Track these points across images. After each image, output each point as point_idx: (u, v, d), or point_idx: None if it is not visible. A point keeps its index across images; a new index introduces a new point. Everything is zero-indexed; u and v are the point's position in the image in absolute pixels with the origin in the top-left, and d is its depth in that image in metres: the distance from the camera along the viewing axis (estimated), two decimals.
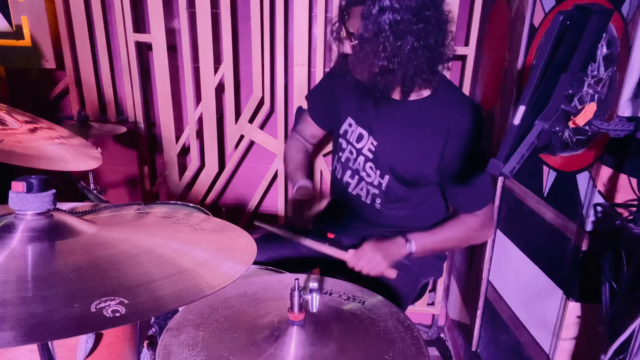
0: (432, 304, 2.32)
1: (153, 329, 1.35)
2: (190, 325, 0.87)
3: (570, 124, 0.84)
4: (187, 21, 2.04)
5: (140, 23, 2.16)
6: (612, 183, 1.01)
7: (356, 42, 1.22)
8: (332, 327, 0.88)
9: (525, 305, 1.40)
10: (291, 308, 0.83)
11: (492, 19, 1.89)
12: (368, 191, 1.47)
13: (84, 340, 0.95)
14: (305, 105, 2.09)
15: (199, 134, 2.26)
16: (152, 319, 1.35)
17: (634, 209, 0.93)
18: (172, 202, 1.73)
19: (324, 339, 0.85)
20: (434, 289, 2.30)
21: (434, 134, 1.32)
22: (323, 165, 2.21)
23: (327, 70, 2.08)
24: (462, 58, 2.01)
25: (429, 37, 1.18)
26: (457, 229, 1.41)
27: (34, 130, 1.11)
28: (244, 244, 0.78)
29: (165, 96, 2.16)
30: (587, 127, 0.84)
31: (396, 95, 1.35)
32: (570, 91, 0.83)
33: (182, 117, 2.31)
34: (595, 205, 1.04)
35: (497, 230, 1.64)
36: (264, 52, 2.07)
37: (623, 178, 0.98)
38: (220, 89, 2.17)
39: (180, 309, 0.92)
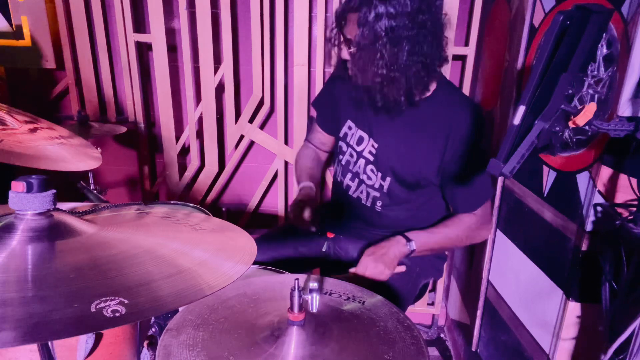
0: (432, 304, 2.32)
1: (153, 329, 1.35)
2: (190, 326, 0.87)
3: (570, 124, 0.84)
4: (187, 21, 2.04)
5: (140, 23, 2.16)
6: (612, 183, 1.01)
7: (354, 49, 1.23)
8: (332, 327, 0.88)
9: (525, 305, 1.40)
10: (291, 308, 0.83)
11: (492, 19, 1.89)
12: (368, 194, 1.47)
13: (84, 340, 0.95)
14: (305, 107, 2.10)
15: (199, 134, 2.26)
16: (152, 319, 1.35)
17: (634, 209, 0.93)
18: (172, 202, 1.73)
19: (324, 339, 0.84)
20: (434, 289, 2.30)
21: (434, 135, 1.32)
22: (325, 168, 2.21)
23: (327, 70, 2.08)
24: (462, 58, 2.01)
25: (425, 41, 1.18)
26: (456, 228, 1.42)
27: (34, 130, 1.11)
28: (244, 244, 0.78)
29: (165, 96, 2.16)
30: (587, 127, 0.84)
31: (396, 102, 1.35)
32: (570, 91, 0.83)
33: (182, 117, 2.31)
34: (595, 205, 1.04)
35: (497, 230, 1.64)
36: (264, 52, 2.07)
37: (623, 178, 0.98)
38: (220, 89, 2.17)
39: (180, 309, 0.92)
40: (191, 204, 1.67)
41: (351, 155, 1.48)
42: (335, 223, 1.59)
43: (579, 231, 1.10)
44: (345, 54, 1.28)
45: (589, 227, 1.06)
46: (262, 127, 2.24)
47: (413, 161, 1.36)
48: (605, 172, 1.02)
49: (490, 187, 1.41)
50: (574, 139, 1.14)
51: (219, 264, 0.69)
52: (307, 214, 1.41)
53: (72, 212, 0.77)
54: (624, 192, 0.98)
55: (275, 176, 2.28)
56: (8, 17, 2.11)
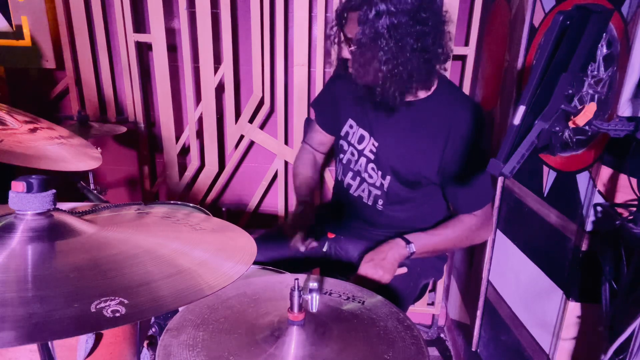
0: (432, 304, 2.32)
1: (153, 329, 1.35)
2: (190, 326, 0.87)
3: (570, 124, 0.84)
4: (187, 21, 2.04)
5: (140, 23, 2.16)
6: (612, 183, 1.01)
7: (355, 47, 1.22)
8: (332, 327, 0.88)
9: (525, 305, 1.40)
10: (291, 308, 0.83)
11: (492, 19, 1.89)
12: (370, 192, 1.47)
13: (84, 340, 0.95)
14: (305, 107, 2.10)
15: (199, 134, 2.26)
16: (152, 319, 1.35)
17: (634, 209, 0.93)
18: (172, 202, 1.73)
19: (324, 339, 0.85)
20: (434, 289, 2.30)
21: (435, 134, 1.32)
22: (324, 167, 2.21)
23: (327, 70, 2.08)
24: (462, 58, 2.01)
25: (426, 39, 1.18)
26: (456, 229, 1.41)
27: (34, 130, 1.11)
28: (244, 244, 0.78)
29: (165, 96, 2.16)
30: (587, 127, 0.84)
31: (397, 99, 1.35)
32: (570, 91, 0.83)
33: (182, 117, 2.31)
34: (595, 205, 1.04)
35: (497, 230, 1.64)
36: (264, 52, 2.07)
37: (623, 178, 0.98)
38: (220, 89, 2.17)
39: (180, 309, 0.92)
40: (191, 204, 1.67)
41: (352, 154, 1.48)
42: (336, 223, 1.59)
43: (579, 231, 1.10)
44: (346, 53, 1.28)
45: (589, 227, 1.06)
46: (262, 127, 2.24)
47: (413, 160, 1.36)
48: (605, 172, 1.02)
49: (491, 188, 1.41)
50: (574, 139, 1.14)
51: (219, 264, 0.69)
52: (299, 237, 1.43)
53: (72, 212, 0.77)
54: (624, 192, 0.98)
55: (275, 176, 2.28)
56: (8, 17, 2.11)
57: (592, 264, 1.05)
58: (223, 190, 2.40)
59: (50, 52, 2.16)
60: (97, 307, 0.53)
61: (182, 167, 2.30)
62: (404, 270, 1.39)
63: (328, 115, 1.60)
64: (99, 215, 0.86)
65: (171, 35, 2.17)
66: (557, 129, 0.83)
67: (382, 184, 1.43)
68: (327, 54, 2.03)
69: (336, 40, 1.30)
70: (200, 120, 2.22)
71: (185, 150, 2.31)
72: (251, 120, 2.19)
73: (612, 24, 1.01)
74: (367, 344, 0.85)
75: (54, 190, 0.69)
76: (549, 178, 1.27)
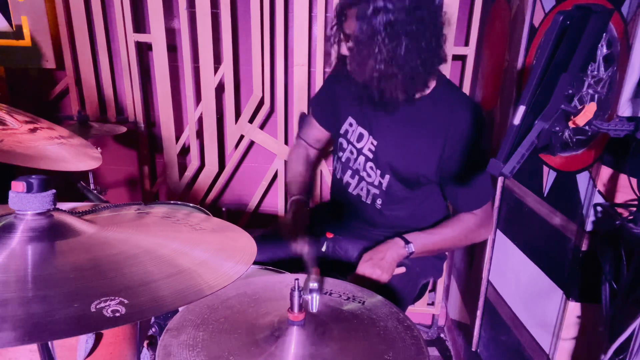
0: (432, 304, 2.32)
1: (153, 329, 1.35)
2: (190, 326, 0.87)
3: (570, 124, 0.84)
4: (187, 21, 2.04)
5: (140, 23, 2.16)
6: (612, 183, 1.01)
7: (352, 44, 1.23)
8: (332, 327, 0.88)
9: (525, 305, 1.40)
10: (291, 308, 0.83)
11: (492, 19, 1.89)
12: (368, 191, 1.47)
13: (84, 340, 0.95)
14: (305, 107, 2.10)
15: (199, 134, 2.26)
16: (152, 319, 1.35)
17: (634, 209, 0.93)
18: (172, 202, 1.73)
19: (324, 339, 0.85)
20: (434, 289, 2.30)
21: (433, 133, 1.32)
22: (323, 166, 2.21)
23: (327, 70, 2.08)
24: (462, 58, 2.01)
25: (423, 37, 1.18)
26: (455, 229, 1.41)
27: (34, 130, 1.11)
28: (244, 244, 0.78)
29: (165, 96, 2.16)
30: (587, 127, 0.84)
31: (395, 98, 1.35)
32: (570, 91, 0.84)
33: (182, 117, 2.31)
34: (595, 205, 1.04)
35: (497, 230, 1.64)
36: (264, 52, 2.07)
37: (623, 178, 0.98)
38: (220, 89, 2.17)
39: (180, 309, 0.92)
40: (191, 204, 1.67)
41: (351, 152, 1.48)
42: (334, 223, 1.59)
43: (579, 231, 1.10)
44: (344, 50, 1.28)
45: (589, 227, 1.06)
46: (262, 127, 2.24)
47: (411, 159, 1.36)
48: (605, 172, 1.02)
49: (491, 187, 1.41)
50: (574, 139, 1.14)
51: (219, 264, 0.69)
52: (300, 240, 1.41)
53: (72, 212, 0.77)
54: (624, 192, 0.98)
55: (275, 176, 2.28)
56: (8, 17, 2.11)
57: (592, 264, 1.05)
58: (223, 190, 2.40)
59: (50, 52, 2.16)
60: (97, 307, 0.53)
61: (182, 167, 2.30)
62: (402, 270, 1.39)
63: (327, 112, 1.60)
64: (99, 215, 0.86)
65: (171, 35, 2.17)
66: (557, 129, 0.83)
67: (380, 183, 1.43)
68: (327, 54, 2.03)
69: (336, 38, 1.30)
70: (200, 120, 2.22)
71: (185, 150, 2.31)
72: (251, 120, 2.19)
73: (612, 24, 1.01)
74: (367, 344, 0.85)
75: (54, 190, 0.68)
76: (549, 178, 1.27)
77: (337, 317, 0.93)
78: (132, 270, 0.62)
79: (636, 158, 0.95)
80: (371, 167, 1.43)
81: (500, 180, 1.61)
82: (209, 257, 0.71)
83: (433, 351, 2.25)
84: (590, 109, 0.82)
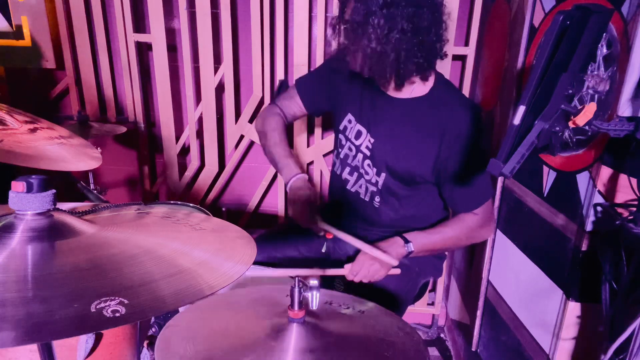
0: (432, 304, 2.32)
1: (153, 329, 1.35)
2: (190, 323, 0.87)
3: (570, 124, 0.84)
4: (187, 21, 2.04)
5: (140, 23, 2.16)
6: (612, 183, 1.01)
7: (349, 25, 1.22)
8: (332, 325, 0.88)
9: (525, 305, 1.40)
10: (291, 305, 0.83)
11: (492, 19, 1.89)
12: (367, 188, 1.47)
13: (84, 340, 0.95)
14: None
15: (199, 134, 2.26)
16: (152, 319, 1.35)
17: (634, 209, 0.93)
18: (172, 202, 1.73)
19: (324, 336, 0.85)
20: (434, 289, 2.30)
21: (430, 133, 1.33)
22: (323, 165, 2.21)
23: None
24: (462, 58, 2.01)
25: (420, 21, 1.18)
26: (456, 229, 1.41)
27: (34, 130, 1.11)
28: (244, 244, 0.78)
29: (165, 96, 2.16)
30: (587, 127, 0.84)
31: (391, 88, 1.35)
32: (570, 91, 0.84)
33: (182, 117, 2.31)
34: (595, 205, 1.04)
35: (497, 230, 1.64)
36: (264, 52, 2.07)
37: (623, 178, 0.98)
38: (220, 89, 2.17)
39: (180, 309, 0.92)
40: (191, 204, 1.67)
41: (350, 149, 1.48)
42: (334, 223, 1.59)
43: (579, 231, 1.10)
44: (343, 38, 1.28)
45: (589, 227, 1.06)
46: None
47: (407, 158, 1.36)
48: (605, 172, 1.01)
49: (490, 187, 1.41)
50: (574, 139, 1.14)
51: (219, 264, 0.69)
52: (317, 217, 1.37)
53: (72, 212, 0.77)
54: (624, 192, 0.98)
55: (275, 176, 2.28)
56: (8, 17, 2.11)
57: (592, 264, 1.05)
58: (223, 190, 2.40)
59: (50, 52, 2.16)
60: (97, 307, 0.53)
61: (182, 167, 2.30)
62: (397, 271, 1.38)
63: (317, 94, 1.55)
64: (99, 215, 0.86)
65: (171, 35, 2.17)
66: (557, 129, 0.83)
67: (377, 181, 1.43)
68: (327, 54, 2.03)
69: (336, 27, 1.29)
70: (200, 120, 2.22)
71: (185, 150, 2.31)
72: (251, 120, 2.19)
73: (612, 24, 1.01)
74: (367, 341, 0.85)
75: (54, 190, 0.68)
76: (549, 178, 1.27)
77: (336, 317, 0.93)
78: (132, 270, 0.62)
79: (636, 158, 0.95)
80: (369, 165, 1.44)
81: (500, 180, 1.61)
82: (209, 257, 0.71)
83: (433, 351, 2.25)
84: (590, 109, 0.82)
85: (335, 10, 1.94)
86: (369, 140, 1.41)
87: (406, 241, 1.36)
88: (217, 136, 2.21)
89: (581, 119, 0.82)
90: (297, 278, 0.83)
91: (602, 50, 1.04)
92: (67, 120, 2.28)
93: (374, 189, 1.45)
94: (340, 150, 1.52)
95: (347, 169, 1.50)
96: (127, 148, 2.37)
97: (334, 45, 1.32)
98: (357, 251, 1.41)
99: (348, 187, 1.51)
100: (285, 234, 1.64)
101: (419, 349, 0.85)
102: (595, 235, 1.06)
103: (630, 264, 0.89)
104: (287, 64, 2.11)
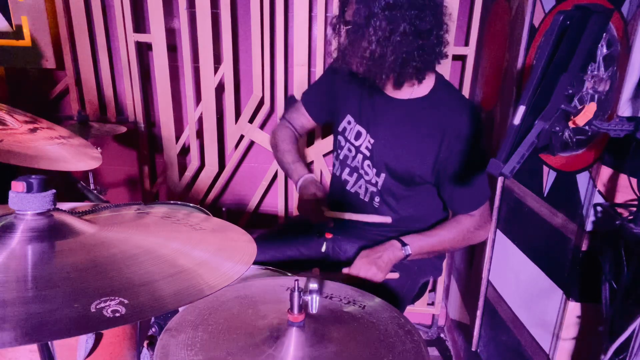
0: (432, 304, 2.32)
1: (153, 329, 1.35)
2: (189, 326, 0.87)
3: (570, 124, 0.84)
4: (187, 21, 2.04)
5: (140, 23, 2.16)
6: (612, 183, 1.01)
7: (350, 27, 1.22)
8: (332, 329, 0.88)
9: (525, 305, 1.40)
10: (291, 309, 0.83)
11: (492, 19, 1.89)
12: (367, 189, 1.47)
13: (84, 340, 0.95)
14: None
15: (199, 134, 2.26)
16: (152, 319, 1.35)
17: (634, 209, 0.93)
18: (172, 202, 1.73)
19: (323, 340, 0.84)
20: (434, 289, 2.30)
21: (430, 134, 1.33)
22: (323, 165, 2.21)
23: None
24: (462, 58, 2.01)
25: (422, 23, 1.18)
26: (453, 231, 1.42)
27: (34, 130, 1.11)
28: (244, 244, 0.78)
29: (165, 96, 2.16)
30: (587, 127, 0.84)
31: (391, 89, 1.35)
32: (570, 91, 0.84)
33: (182, 117, 2.31)
34: (595, 205, 1.04)
35: (497, 230, 1.64)
36: (264, 52, 2.07)
37: (623, 178, 0.98)
38: (220, 89, 2.17)
39: (180, 309, 0.92)
40: (191, 204, 1.67)
41: (349, 150, 1.48)
42: (334, 223, 1.59)
43: (579, 231, 1.10)
44: (343, 39, 1.28)
45: (589, 227, 1.06)
46: (262, 127, 2.23)
47: (407, 158, 1.37)
48: (605, 172, 1.01)
49: (488, 188, 1.41)
50: (574, 139, 1.14)
51: (219, 264, 0.69)
52: (326, 211, 1.41)
53: (72, 212, 0.77)
54: (624, 192, 0.98)
55: (275, 176, 2.28)
56: (8, 17, 2.11)
57: (592, 264, 1.05)
58: (223, 190, 2.40)
59: (50, 52, 2.16)
60: (97, 307, 0.53)
61: (182, 167, 2.30)
62: (396, 275, 1.39)
63: (320, 102, 1.59)
64: (99, 215, 0.86)
65: (171, 35, 2.17)
66: (557, 129, 0.83)
67: (377, 182, 1.43)
68: (327, 54, 2.03)
69: (337, 28, 1.29)
70: (200, 120, 2.22)
71: (185, 150, 2.31)
72: (251, 120, 2.19)
73: (612, 24, 1.01)
74: (366, 345, 0.85)
75: (54, 190, 0.68)
76: (549, 178, 1.27)
77: (336, 319, 0.93)
78: (132, 270, 0.62)
79: (636, 158, 0.95)
80: (368, 165, 1.44)
81: (500, 180, 1.61)
82: (209, 257, 0.71)
83: (433, 351, 2.25)
84: (590, 109, 0.82)
85: (335, 10, 1.95)
86: (369, 141, 1.42)
87: (403, 244, 1.36)
88: (217, 136, 2.21)
89: (581, 119, 0.82)
90: (296, 281, 0.83)
91: (602, 50, 1.04)
92: (67, 120, 2.29)
93: (374, 189, 1.45)
94: (339, 151, 1.52)
95: (347, 170, 1.50)
96: (127, 148, 2.37)
97: (334, 45, 1.33)
98: (357, 251, 1.41)
99: (348, 187, 1.51)
100: (285, 234, 1.64)
101: (419, 350, 0.85)
102: (595, 235, 1.06)
103: (630, 264, 0.89)
104: (287, 64, 2.11)
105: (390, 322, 0.93)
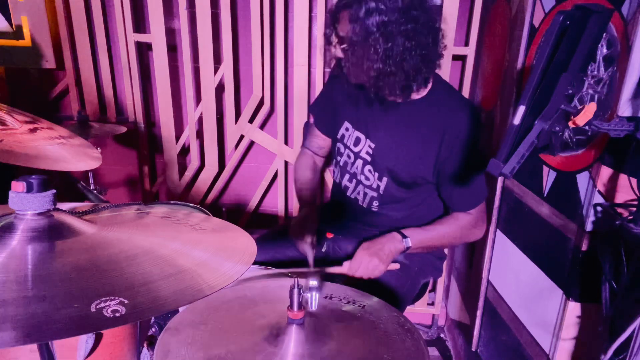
0: (432, 304, 2.32)
1: (153, 329, 1.35)
2: (189, 325, 0.87)
3: (570, 124, 0.84)
4: (187, 21, 2.04)
5: (140, 23, 2.16)
6: (612, 183, 1.01)
7: (347, 46, 1.22)
8: (332, 327, 0.88)
9: (525, 305, 1.40)
10: (290, 306, 0.83)
11: (492, 19, 1.89)
12: (365, 194, 1.48)
13: (84, 340, 0.95)
14: (305, 107, 2.10)
15: (199, 134, 2.26)
16: (152, 319, 1.35)
17: (634, 209, 0.93)
18: (172, 202, 1.73)
19: (323, 337, 0.85)
20: (434, 289, 2.30)
21: (430, 135, 1.33)
22: (327, 173, 2.21)
23: (327, 70, 2.08)
24: (462, 58, 2.01)
25: (419, 36, 1.18)
26: (451, 227, 1.43)
27: (34, 130, 1.11)
28: (244, 244, 0.78)
29: (165, 96, 2.16)
30: (587, 127, 0.84)
31: (393, 97, 1.35)
32: (570, 91, 0.83)
33: (182, 117, 2.31)
34: (595, 205, 1.04)
35: (497, 230, 1.64)
36: (264, 52, 2.07)
37: (623, 178, 0.98)
38: (220, 89, 2.17)
39: (180, 309, 0.92)
40: (191, 204, 1.67)
41: (349, 157, 1.48)
42: (334, 223, 1.59)
43: (579, 231, 1.10)
44: (339, 53, 1.28)
45: (589, 227, 1.06)
46: (262, 127, 2.24)
47: (409, 160, 1.37)
48: (605, 172, 1.01)
49: (486, 188, 1.42)
50: (574, 139, 1.14)
51: (219, 264, 0.69)
52: (308, 242, 1.40)
53: (72, 212, 0.77)
54: (624, 192, 0.98)
55: (275, 176, 2.28)
56: (8, 17, 2.11)
57: (592, 264, 1.05)
58: (223, 190, 2.40)
59: (50, 52, 2.16)
60: (97, 307, 0.53)
61: (182, 167, 2.30)
62: (396, 266, 1.40)
63: (326, 117, 1.60)
64: (99, 215, 0.86)
65: (171, 35, 2.17)
66: (557, 129, 0.83)
67: (378, 186, 1.44)
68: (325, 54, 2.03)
69: (331, 40, 1.30)
70: (200, 120, 2.22)
71: (185, 150, 2.31)
72: (251, 120, 2.19)
73: (612, 24, 1.01)
74: (366, 343, 0.85)
75: (54, 190, 0.68)
76: (549, 178, 1.27)
77: (336, 317, 0.93)
78: (132, 270, 0.62)
79: (636, 158, 0.95)
80: (369, 170, 1.44)
81: (500, 180, 1.61)
82: (209, 257, 0.71)
83: (433, 351, 2.25)
84: (590, 109, 0.82)
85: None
86: (369, 146, 1.42)
87: (404, 236, 1.37)
88: (217, 136, 2.21)
89: (581, 119, 0.82)
90: (296, 279, 0.83)
91: (602, 50, 1.04)
92: (67, 120, 2.28)
93: (374, 194, 1.45)
94: (339, 158, 1.53)
95: (347, 176, 1.51)
96: (127, 148, 2.37)
97: (330, 55, 1.33)
98: (357, 247, 1.41)
99: (348, 193, 1.52)
100: (285, 234, 1.64)
101: (418, 347, 0.85)
102: (595, 235, 1.06)
103: (630, 264, 0.89)
104: (287, 64, 2.11)
105: (390, 321, 0.93)
